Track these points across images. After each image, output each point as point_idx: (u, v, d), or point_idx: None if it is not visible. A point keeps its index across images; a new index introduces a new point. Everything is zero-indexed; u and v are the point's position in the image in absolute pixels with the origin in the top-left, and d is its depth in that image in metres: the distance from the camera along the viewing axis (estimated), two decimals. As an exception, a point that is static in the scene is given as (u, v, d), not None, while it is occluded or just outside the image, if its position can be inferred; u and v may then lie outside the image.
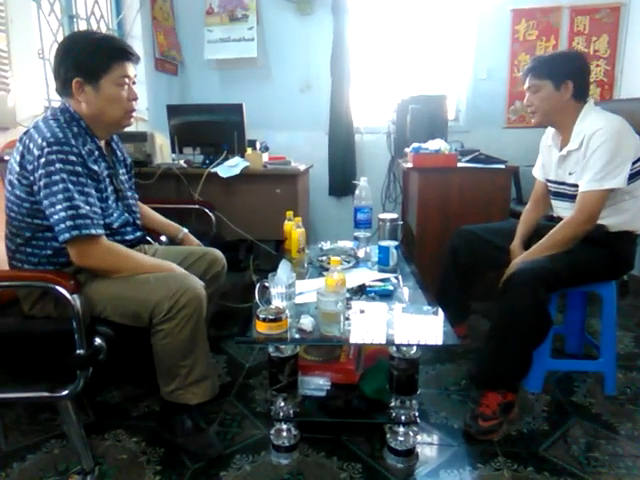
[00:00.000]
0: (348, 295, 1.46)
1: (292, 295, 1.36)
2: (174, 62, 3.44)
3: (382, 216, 2.04)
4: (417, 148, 2.51)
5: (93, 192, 1.31)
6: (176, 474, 1.36)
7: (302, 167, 2.67)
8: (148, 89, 3.15)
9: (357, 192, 2.13)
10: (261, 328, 1.24)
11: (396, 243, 1.82)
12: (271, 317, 1.23)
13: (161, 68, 3.27)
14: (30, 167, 1.25)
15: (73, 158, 1.25)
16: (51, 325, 1.32)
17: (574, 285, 1.68)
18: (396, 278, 1.64)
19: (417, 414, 1.38)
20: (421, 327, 1.30)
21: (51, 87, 2.35)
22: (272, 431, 1.41)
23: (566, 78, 1.63)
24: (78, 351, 1.25)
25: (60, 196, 1.22)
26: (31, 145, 1.26)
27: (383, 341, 1.25)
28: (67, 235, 1.23)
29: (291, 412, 1.39)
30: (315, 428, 1.50)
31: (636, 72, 3.09)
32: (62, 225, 1.23)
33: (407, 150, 2.73)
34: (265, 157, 2.61)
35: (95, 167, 1.35)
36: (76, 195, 1.24)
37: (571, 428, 1.54)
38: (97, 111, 1.34)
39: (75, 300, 1.22)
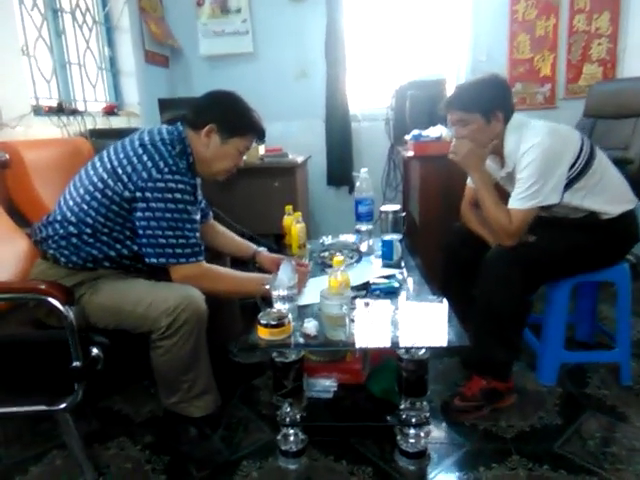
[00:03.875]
0: (352, 294, 1.41)
1: (294, 297, 1.31)
2: (173, 46, 3.33)
3: (384, 208, 1.98)
4: (417, 136, 2.44)
5: (197, 218, 1.37)
6: (182, 484, 1.32)
7: (300, 159, 2.61)
8: (138, 82, 3.06)
9: (358, 184, 2.07)
10: (263, 334, 1.19)
11: (400, 236, 1.77)
12: (273, 323, 1.18)
13: (151, 60, 3.17)
14: (141, 184, 1.25)
15: (190, 189, 1.31)
16: (47, 335, 1.28)
17: (568, 274, 1.63)
18: (401, 274, 1.59)
19: (428, 415, 1.34)
20: (429, 327, 1.25)
21: (38, 84, 2.27)
22: (279, 436, 1.37)
23: (495, 110, 1.54)
24: (74, 363, 1.20)
25: (172, 224, 1.27)
26: (149, 163, 1.27)
27: (389, 344, 1.20)
28: (174, 260, 1.30)
29: (297, 417, 1.35)
30: (323, 431, 1.46)
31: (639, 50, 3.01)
32: (169, 250, 1.28)
33: (407, 137, 2.66)
34: (261, 150, 2.54)
35: None
36: (188, 225, 1.30)
37: (585, 422, 1.50)
38: (210, 157, 1.42)
39: (68, 311, 1.18)
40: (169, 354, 1.26)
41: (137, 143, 1.31)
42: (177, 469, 1.38)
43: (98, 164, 1.34)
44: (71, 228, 1.31)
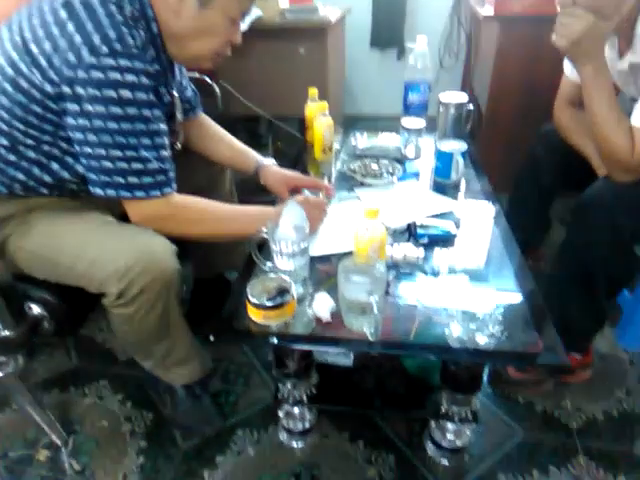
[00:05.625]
0: (390, 241, 1.00)
1: (305, 252, 0.91)
2: None
3: (444, 98, 1.44)
4: (501, -16, 1.73)
5: (164, 128, 0.89)
6: (163, 455, 1.10)
7: (335, 15, 1.96)
8: None
9: (411, 60, 1.49)
10: (255, 315, 0.82)
11: (464, 147, 1.27)
12: (269, 304, 0.80)
13: None
14: (68, 73, 0.77)
15: (147, 81, 0.82)
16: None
17: None
18: (461, 211, 1.13)
19: (477, 410, 1.00)
20: (501, 313, 0.84)
21: None
22: (280, 413, 1.10)
23: None
24: (3, 333, 0.90)
25: (120, 139, 0.82)
26: (77, 38, 0.77)
27: (443, 353, 0.81)
28: (127, 194, 0.86)
29: (304, 397, 1.05)
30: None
31: None
32: (118, 179, 0.85)
33: (483, -15, 1.94)
34: (283, 1, 1.90)
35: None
36: (145, 140, 0.84)
37: (683, 415, 1.16)
38: (185, 32, 0.89)
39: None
40: (127, 325, 0.93)
41: (60, 0, 0.81)
42: (160, 434, 1.15)
43: (6, 35, 0.85)
44: None
